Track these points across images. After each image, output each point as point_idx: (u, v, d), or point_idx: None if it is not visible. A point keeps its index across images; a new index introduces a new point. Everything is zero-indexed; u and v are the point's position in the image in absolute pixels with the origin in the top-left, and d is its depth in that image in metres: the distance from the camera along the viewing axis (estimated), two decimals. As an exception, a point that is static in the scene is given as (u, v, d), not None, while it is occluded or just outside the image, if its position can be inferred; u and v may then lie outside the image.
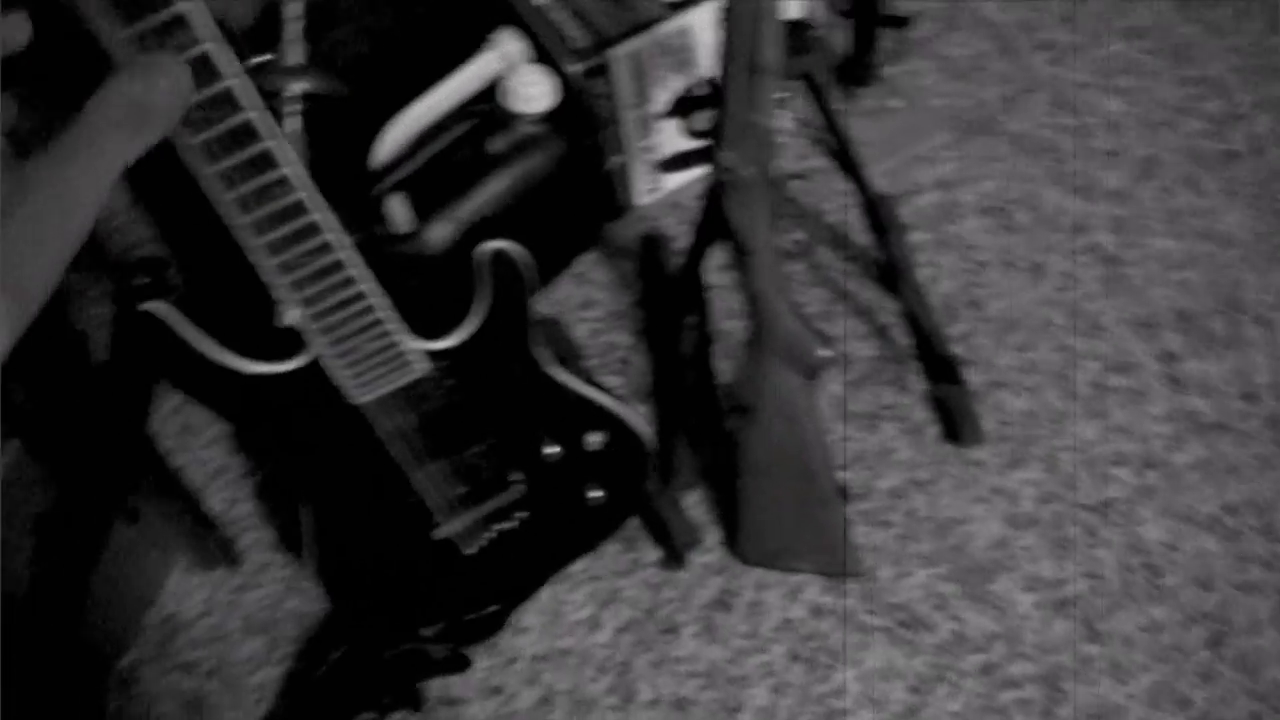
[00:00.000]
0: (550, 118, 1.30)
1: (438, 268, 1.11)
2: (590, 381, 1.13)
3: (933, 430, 1.36)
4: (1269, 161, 1.57)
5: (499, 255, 0.98)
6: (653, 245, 1.48)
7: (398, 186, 1.22)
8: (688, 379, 1.38)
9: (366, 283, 0.90)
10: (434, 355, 0.99)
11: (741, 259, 1.10)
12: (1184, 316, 1.43)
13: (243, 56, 1.31)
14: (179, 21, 0.70)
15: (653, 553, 1.31)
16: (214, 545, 1.31)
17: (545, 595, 1.29)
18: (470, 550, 1.15)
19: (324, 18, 1.39)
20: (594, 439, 1.13)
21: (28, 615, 1.16)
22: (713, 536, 1.31)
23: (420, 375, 0.99)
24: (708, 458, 1.34)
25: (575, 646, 1.26)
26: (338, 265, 0.88)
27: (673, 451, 1.33)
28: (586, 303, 1.47)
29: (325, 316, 0.90)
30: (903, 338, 1.41)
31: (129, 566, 1.29)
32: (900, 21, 1.58)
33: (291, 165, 0.82)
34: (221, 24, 1.28)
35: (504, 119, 1.28)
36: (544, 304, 1.46)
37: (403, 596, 1.18)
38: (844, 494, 1.22)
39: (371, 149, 1.24)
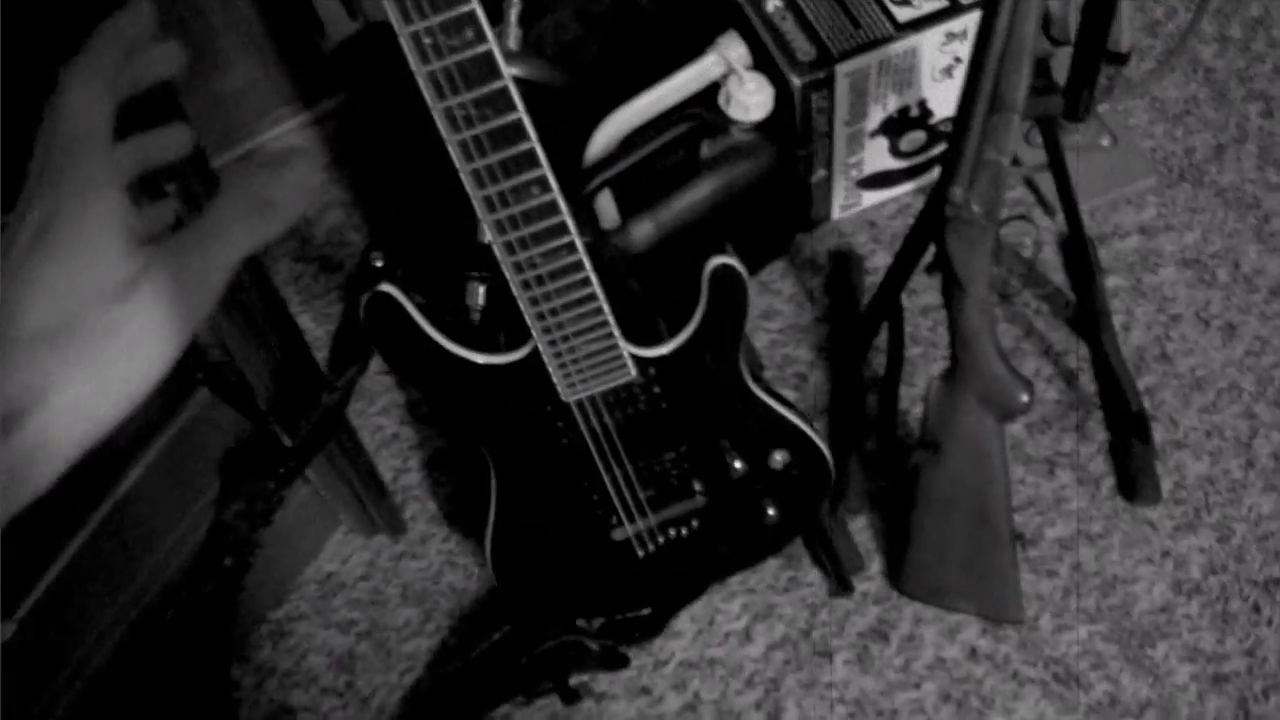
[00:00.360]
0: (763, 126, 1.29)
1: (651, 272, 1.11)
2: (784, 400, 1.13)
3: (1109, 483, 1.34)
4: None
5: (725, 271, 0.97)
6: (845, 262, 1.47)
7: (608, 183, 1.22)
8: (868, 402, 1.36)
9: (596, 285, 0.90)
10: (645, 362, 1.00)
11: (953, 295, 1.09)
12: (1382, 397, 1.38)
13: None
14: (469, 17, 0.71)
15: (812, 572, 1.31)
16: (381, 512, 1.33)
17: (700, 602, 1.29)
18: (642, 552, 1.16)
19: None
20: (779, 457, 1.13)
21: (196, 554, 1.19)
22: (875, 565, 1.30)
23: (629, 380, 1.00)
24: (879, 484, 1.33)
25: (726, 657, 1.27)
26: (576, 266, 0.88)
27: (845, 474, 1.32)
28: (769, 312, 1.46)
29: (553, 315, 0.91)
30: (1090, 385, 1.38)
31: (295, 519, 1.31)
32: (1119, 58, 1.53)
33: (547, 166, 0.82)
34: None
35: (719, 125, 1.27)
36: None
37: (570, 589, 1.19)
38: (1019, 541, 1.20)
39: (587, 143, 1.24)
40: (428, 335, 0.93)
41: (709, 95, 1.29)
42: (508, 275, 0.88)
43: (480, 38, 0.74)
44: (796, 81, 1.27)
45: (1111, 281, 1.45)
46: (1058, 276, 1.46)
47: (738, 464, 1.11)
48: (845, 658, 1.26)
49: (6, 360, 0.43)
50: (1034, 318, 1.43)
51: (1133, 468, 1.31)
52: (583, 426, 1.03)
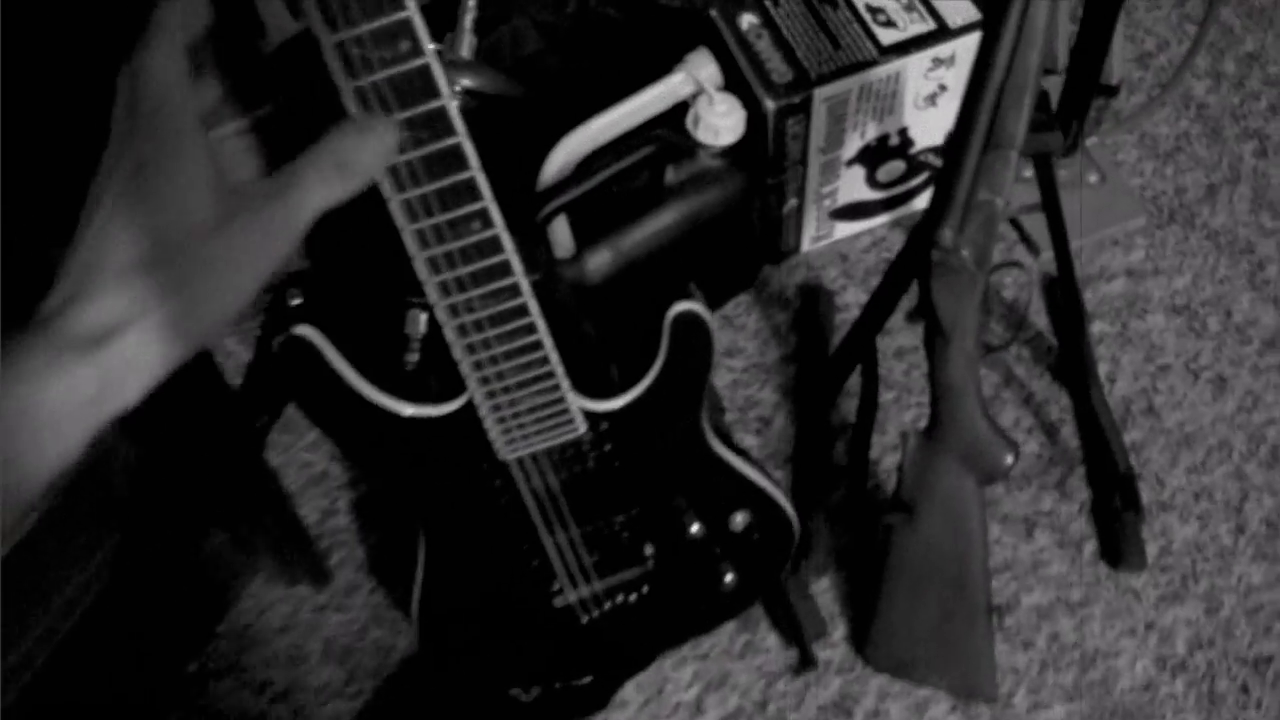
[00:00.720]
0: (733, 151, 1.19)
1: (606, 312, 1.01)
2: (748, 456, 1.03)
3: (1091, 547, 1.24)
4: None
5: (689, 319, 0.87)
6: (814, 297, 1.37)
7: (563, 209, 1.11)
8: (836, 451, 1.26)
9: (544, 333, 0.80)
10: (596, 416, 0.89)
11: (936, 346, 0.99)
12: (1379, 461, 1.30)
13: None
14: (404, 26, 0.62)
15: (770, 636, 1.20)
16: (303, 560, 1.21)
17: (649, 668, 1.19)
18: (585, 619, 1.05)
19: (502, 5, 1.29)
20: (740, 519, 1.03)
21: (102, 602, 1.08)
22: (839, 630, 1.20)
23: (577, 437, 0.89)
24: (846, 541, 1.23)
25: (676, 730, 1.16)
26: (520, 311, 0.78)
27: (809, 530, 1.22)
28: (732, 349, 1.36)
29: (492, 365, 0.81)
30: (1073, 438, 1.29)
31: (209, 567, 1.20)
32: (1109, 90, 1.45)
33: (490, 198, 0.72)
34: None
35: (686, 149, 1.17)
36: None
37: (505, 656, 1.08)
38: (996, 613, 1.11)
39: (543, 164, 1.13)
40: (349, 384, 0.82)
41: (676, 117, 1.19)
42: (441, 320, 0.77)
43: (416, 51, 0.64)
44: (770, 105, 1.17)
45: (1097, 327, 1.36)
46: (1040, 319, 1.36)
47: (694, 527, 1.01)
48: (804, 733, 1.16)
49: (103, 285, 0.47)
50: (1014, 364, 1.33)
51: (1117, 532, 1.22)
52: (522, 487, 0.92)
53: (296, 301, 0.80)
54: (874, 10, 1.23)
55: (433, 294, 0.75)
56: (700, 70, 1.18)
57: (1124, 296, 1.39)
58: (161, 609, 1.16)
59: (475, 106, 1.19)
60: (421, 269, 0.73)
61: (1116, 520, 1.22)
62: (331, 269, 0.93)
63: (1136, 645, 1.20)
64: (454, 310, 0.76)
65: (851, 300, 1.38)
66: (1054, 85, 1.33)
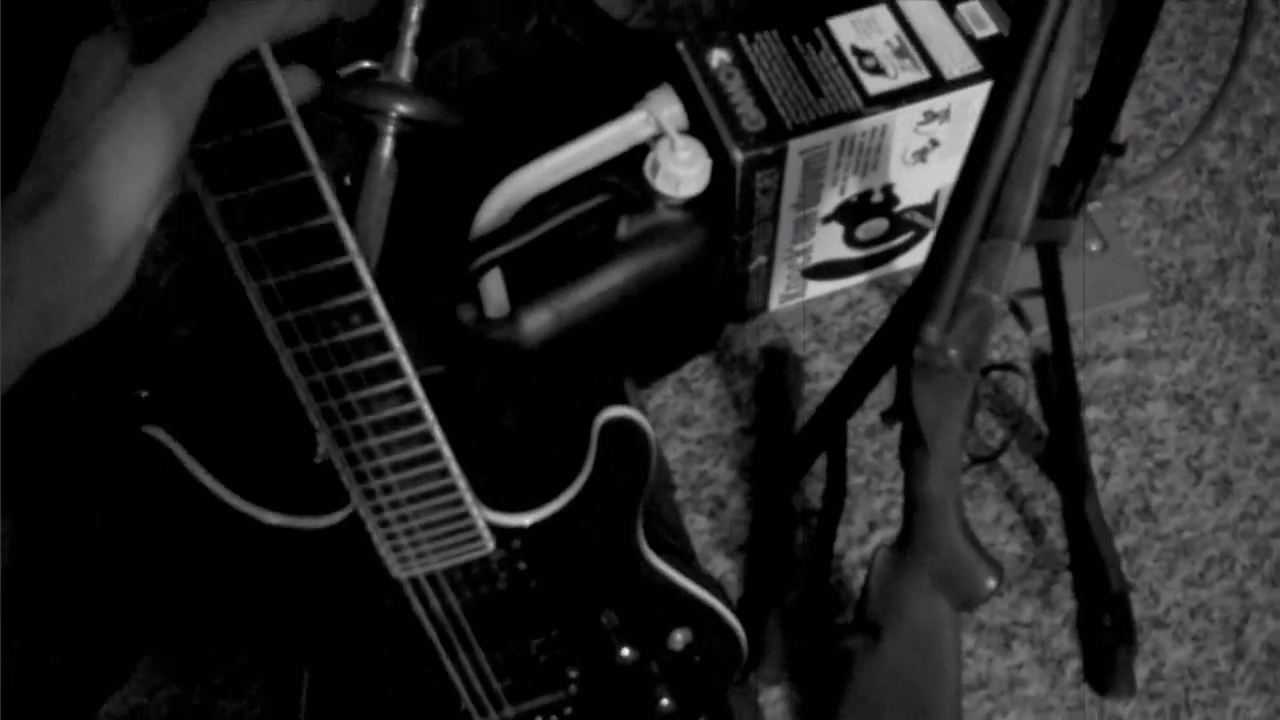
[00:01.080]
0: (694, 204, 1.06)
1: (532, 406, 0.87)
2: (689, 567, 0.89)
3: (1074, 665, 1.11)
4: None
5: (622, 427, 0.74)
6: (780, 363, 1.23)
7: (499, 261, 0.98)
8: (797, 543, 1.13)
9: (441, 441, 0.67)
10: (508, 532, 0.76)
11: (914, 456, 0.86)
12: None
13: (343, 59, 1.09)
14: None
15: (711, 752, 1.07)
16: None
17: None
18: None
19: (451, 21, 1.15)
20: (680, 638, 0.89)
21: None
22: (789, 749, 1.07)
23: (483, 555, 0.77)
24: (799, 646, 1.10)
25: None
26: (413, 417, 0.64)
27: (762, 630, 1.08)
28: (687, 418, 1.22)
29: (377, 477, 0.67)
30: (1059, 539, 1.16)
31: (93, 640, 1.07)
32: (1115, 149, 1.32)
33: (372, 287, 0.58)
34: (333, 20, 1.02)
35: (642, 199, 1.03)
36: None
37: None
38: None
39: (479, 208, 0.99)
40: (205, 488, 0.69)
41: (633, 162, 1.05)
42: (315, 424, 0.63)
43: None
44: (739, 156, 1.04)
45: (1092, 413, 1.23)
46: (1030, 404, 1.23)
47: (625, 651, 0.87)
48: None
49: (26, 177, 0.49)
50: (997, 450, 1.20)
51: (1105, 654, 1.09)
52: (419, 608, 0.79)
53: (142, 395, 0.67)
54: (861, 54, 1.10)
55: (303, 395, 0.62)
56: (662, 110, 1.04)
57: (1123, 380, 1.26)
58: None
59: (409, 134, 1.05)
60: (287, 368, 0.60)
61: (1105, 644, 1.09)
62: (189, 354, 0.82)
63: (1119, 781, 1.07)
64: (329, 415, 0.63)
65: (822, 368, 1.24)
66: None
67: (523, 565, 0.78)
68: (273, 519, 0.71)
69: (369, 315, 0.58)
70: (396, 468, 0.67)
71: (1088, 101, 1.18)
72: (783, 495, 1.15)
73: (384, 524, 0.71)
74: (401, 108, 1.04)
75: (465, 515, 0.72)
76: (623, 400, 0.74)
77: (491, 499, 0.74)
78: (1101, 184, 1.38)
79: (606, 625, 0.86)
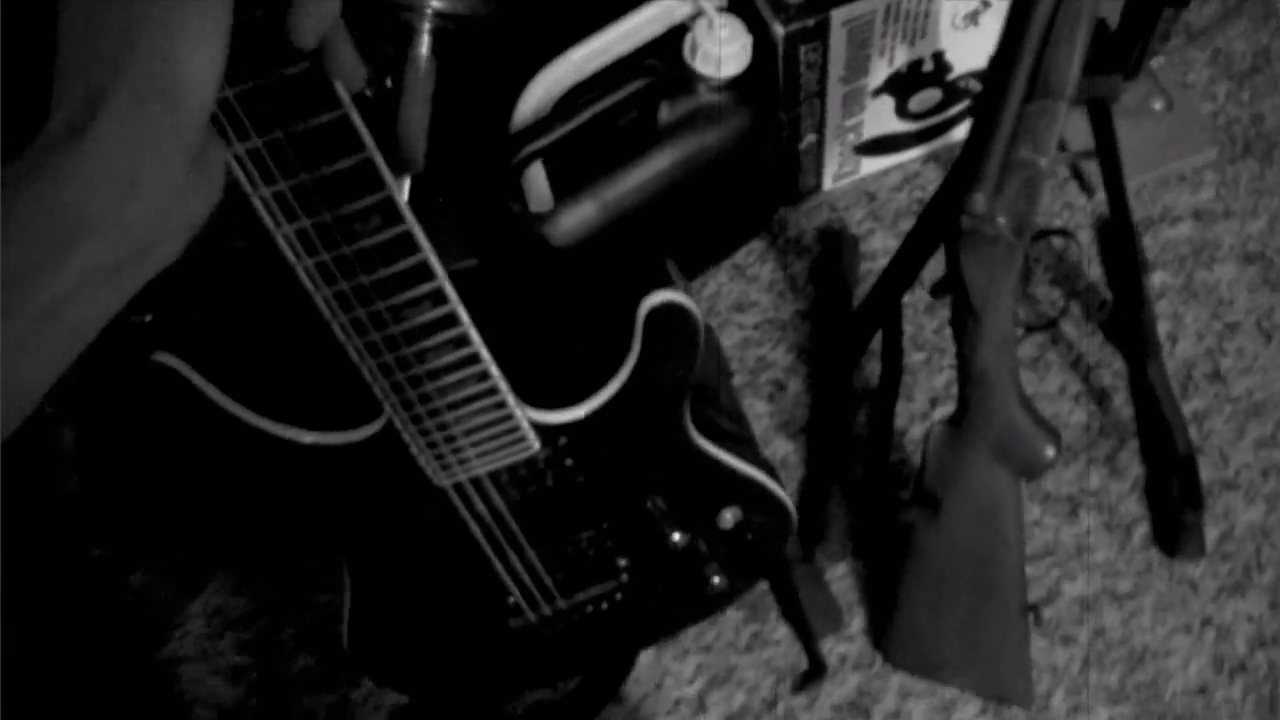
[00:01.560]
0: (737, 83, 1.04)
1: (572, 300, 0.87)
2: (737, 445, 0.89)
3: (1142, 530, 1.11)
4: None
5: (669, 312, 0.73)
6: (835, 243, 1.22)
7: (541, 154, 0.97)
8: (858, 422, 1.13)
9: (478, 343, 0.67)
10: (553, 430, 0.76)
11: (966, 326, 0.85)
12: None
13: None
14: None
15: (780, 628, 1.08)
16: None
17: (647, 659, 1.07)
18: (548, 634, 0.94)
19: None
20: (729, 516, 0.90)
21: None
22: (857, 622, 1.08)
23: (529, 456, 0.77)
24: (867, 521, 1.10)
25: (674, 731, 1.05)
26: (447, 321, 0.65)
27: (825, 509, 1.09)
28: (743, 304, 1.21)
29: (414, 386, 0.68)
30: (1125, 407, 1.14)
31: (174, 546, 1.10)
32: (1178, 1, 1.27)
33: (394, 185, 0.58)
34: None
35: (682, 82, 1.02)
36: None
37: (456, 680, 0.98)
38: (1033, 613, 0.98)
39: (516, 102, 0.99)
40: (233, 415, 0.69)
41: (671, 43, 1.03)
42: (342, 339, 0.64)
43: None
44: (780, 30, 1.02)
45: (1158, 278, 1.21)
46: (1093, 270, 1.21)
47: (676, 536, 0.87)
48: (815, 738, 1.04)
49: (55, 106, 0.43)
50: (1064, 321, 1.18)
51: (1172, 513, 1.08)
52: (465, 513, 0.79)
53: (147, 319, 0.68)
54: (906, -85, 1.07)
55: (326, 310, 0.62)
56: (700, -11, 1.02)
57: (1190, 242, 1.23)
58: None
59: (445, 30, 1.05)
60: (307, 281, 0.60)
61: (1173, 507, 1.08)
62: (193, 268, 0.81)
63: (1191, 643, 1.06)
64: (358, 326, 0.63)
65: (879, 246, 1.23)
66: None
67: (569, 461, 0.78)
68: (301, 436, 0.71)
69: (393, 215, 0.58)
70: (433, 375, 0.67)
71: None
72: (842, 375, 1.15)
73: (424, 433, 0.71)
74: (435, 2, 1.04)
75: (508, 417, 0.72)
76: (668, 284, 0.73)
77: (535, 397, 0.74)
78: (1166, 38, 1.33)
79: (654, 512, 0.87)
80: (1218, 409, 1.15)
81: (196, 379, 0.68)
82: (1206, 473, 1.11)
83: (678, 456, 0.84)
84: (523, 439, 0.74)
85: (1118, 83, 0.94)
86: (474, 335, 0.66)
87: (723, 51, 1.01)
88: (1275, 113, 1.31)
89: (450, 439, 0.72)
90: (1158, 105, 1.28)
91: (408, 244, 0.59)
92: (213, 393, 0.69)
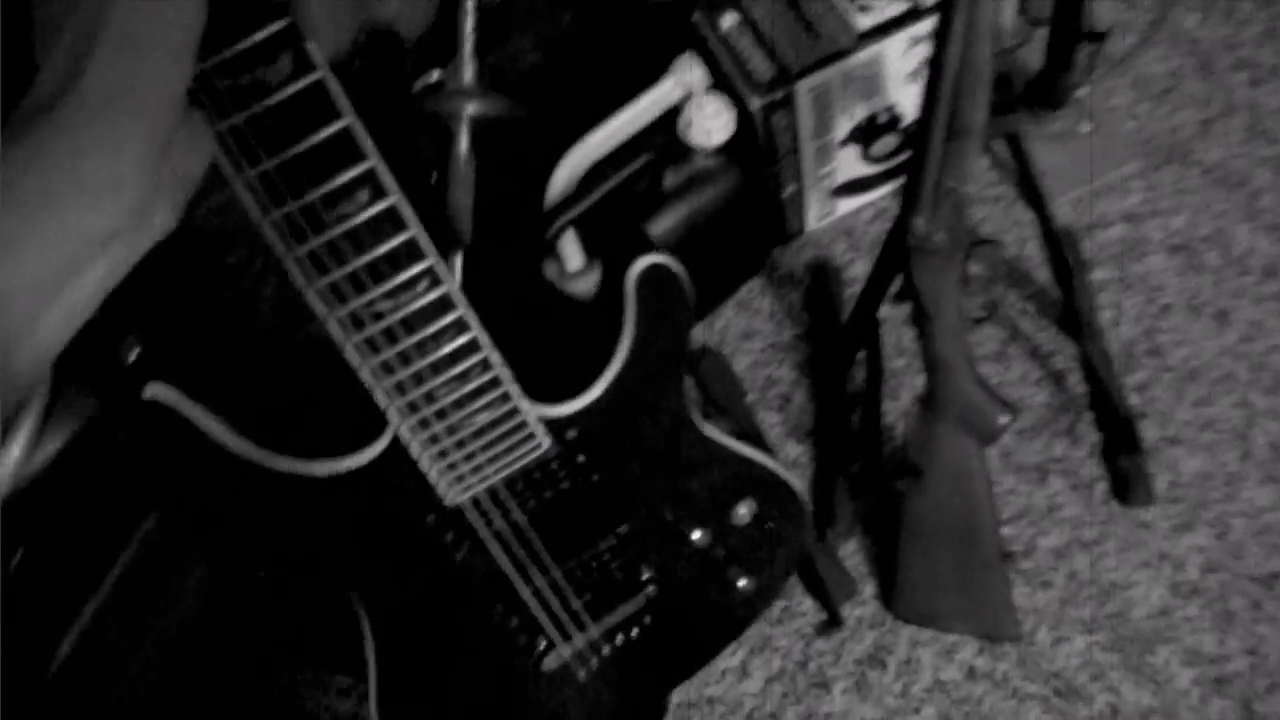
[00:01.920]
0: (726, 148, 1.26)
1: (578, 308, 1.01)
2: (740, 433, 1.07)
3: (1102, 486, 1.31)
4: None
5: (656, 273, 0.80)
6: (822, 274, 1.44)
7: (572, 223, 1.19)
8: (853, 420, 1.34)
9: (480, 331, 0.72)
10: (562, 424, 0.80)
11: (923, 324, 1.06)
12: (1382, 376, 1.35)
13: (415, 73, 1.29)
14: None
15: (806, 601, 1.29)
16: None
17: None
18: (583, 673, 0.97)
19: (498, 26, 1.36)
20: (744, 511, 0.96)
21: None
22: (870, 588, 1.28)
23: (541, 455, 0.80)
24: (868, 504, 1.31)
25: (724, 695, 1.25)
26: (458, 326, 0.70)
27: (832, 497, 1.30)
28: (748, 333, 1.43)
29: (417, 385, 0.72)
30: (1079, 385, 1.35)
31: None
32: (1098, 36, 1.49)
33: (398, 191, 0.64)
34: (393, 33, 1.25)
35: (681, 152, 1.24)
36: (704, 333, 1.43)
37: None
38: (1008, 558, 1.18)
39: (548, 182, 1.21)
40: (234, 454, 0.70)
41: (668, 121, 1.26)
42: (344, 345, 0.68)
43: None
44: (756, 103, 1.24)
45: (1098, 274, 1.42)
46: (1043, 274, 1.42)
47: (696, 533, 0.93)
48: (843, 687, 1.24)
49: (40, 56, 0.43)
50: (1020, 319, 1.40)
51: (1124, 470, 1.29)
52: (484, 533, 0.81)
53: (134, 355, 0.69)
54: (849, -1, 1.29)
55: (338, 333, 0.67)
56: (688, 75, 1.25)
57: (1123, 241, 1.44)
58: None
59: (481, 129, 1.27)
60: (319, 305, 0.65)
61: (1121, 459, 1.28)
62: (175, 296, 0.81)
63: (1151, 575, 1.26)
64: (357, 321, 0.67)
65: (859, 273, 1.44)
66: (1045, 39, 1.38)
67: (582, 458, 0.81)
68: (316, 469, 0.72)
69: (377, 190, 0.63)
70: (443, 379, 0.71)
71: (1058, 4, 1.37)
72: (838, 384, 1.36)
73: (431, 442, 0.73)
74: (472, 108, 1.26)
75: (515, 414, 0.75)
76: (650, 249, 0.80)
77: (541, 393, 0.76)
78: (1090, 70, 1.55)
79: (672, 512, 0.91)
80: (1158, 378, 1.36)
81: (198, 414, 0.68)
82: (1153, 432, 1.31)
83: (686, 444, 0.88)
84: (532, 436, 0.77)
85: (1020, 117, 1.16)
86: (483, 337, 0.71)
87: (711, 125, 1.24)
88: (1190, 123, 1.52)
89: (461, 444, 0.75)
90: (1085, 128, 1.50)
91: (413, 250, 0.65)
92: (214, 428, 0.68)
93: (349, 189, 0.61)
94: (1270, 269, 1.42)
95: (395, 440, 0.74)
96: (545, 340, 0.92)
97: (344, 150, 0.60)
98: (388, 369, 0.70)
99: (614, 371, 0.80)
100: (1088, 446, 1.33)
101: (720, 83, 1.26)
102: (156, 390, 0.67)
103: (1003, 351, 1.38)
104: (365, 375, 0.70)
